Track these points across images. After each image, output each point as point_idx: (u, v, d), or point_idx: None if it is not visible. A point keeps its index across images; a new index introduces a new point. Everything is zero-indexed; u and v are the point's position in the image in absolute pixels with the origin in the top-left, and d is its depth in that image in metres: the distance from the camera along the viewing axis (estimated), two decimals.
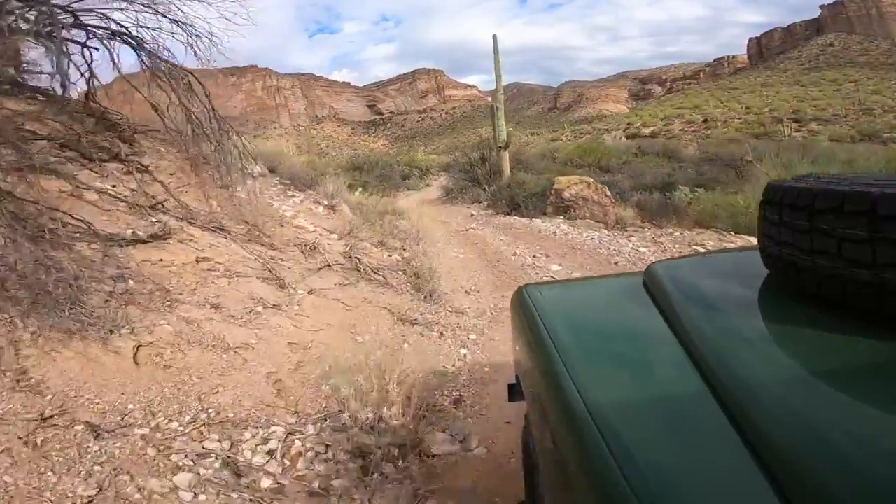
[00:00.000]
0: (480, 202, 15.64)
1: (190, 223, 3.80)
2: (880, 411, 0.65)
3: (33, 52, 3.57)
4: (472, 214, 11.90)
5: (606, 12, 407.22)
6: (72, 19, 3.48)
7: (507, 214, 10.34)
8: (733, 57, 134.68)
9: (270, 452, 2.26)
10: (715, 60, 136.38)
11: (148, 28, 3.73)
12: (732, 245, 6.24)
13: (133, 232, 3.44)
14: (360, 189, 10.23)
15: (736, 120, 60.43)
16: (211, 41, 3.87)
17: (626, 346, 1.00)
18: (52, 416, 2.10)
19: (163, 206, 3.79)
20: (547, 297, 1.26)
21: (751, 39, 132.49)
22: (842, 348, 0.77)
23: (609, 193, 9.58)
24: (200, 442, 2.25)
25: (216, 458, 2.16)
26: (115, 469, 1.97)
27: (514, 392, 1.51)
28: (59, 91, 3.28)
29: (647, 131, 60.12)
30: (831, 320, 0.80)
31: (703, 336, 0.85)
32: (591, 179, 9.84)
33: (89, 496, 1.84)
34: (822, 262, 0.78)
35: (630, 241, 7.30)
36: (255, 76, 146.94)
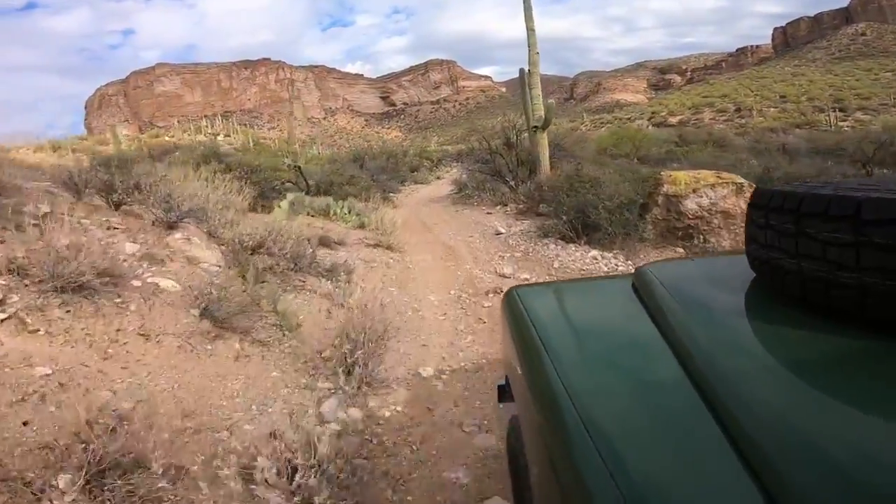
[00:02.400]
0: (506, 204, 10.78)
1: None
2: (864, 412, 0.62)
3: None
4: (498, 232, 7.03)
5: (620, 3, 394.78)
6: None
7: (568, 240, 5.42)
8: (756, 47, 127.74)
9: None
10: (738, 50, 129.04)
11: None
12: None
13: None
14: (294, 195, 5.45)
15: (771, 109, 54.64)
16: None
17: (616, 347, 0.97)
18: None
19: None
20: (537, 299, 1.22)
21: (776, 29, 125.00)
22: (826, 350, 0.75)
23: None
24: None
25: None
26: None
27: (504, 393, 1.39)
28: None
29: (674, 120, 54.60)
30: (816, 323, 0.78)
31: (691, 337, 0.81)
32: (740, 178, 4.90)
33: None
34: (807, 265, 0.76)
35: None
36: (269, 69, 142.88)
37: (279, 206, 4.74)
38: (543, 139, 10.08)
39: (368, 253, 5.14)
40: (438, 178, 25.05)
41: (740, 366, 0.72)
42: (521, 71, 11.13)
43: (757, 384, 0.68)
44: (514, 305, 1.19)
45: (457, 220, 9.44)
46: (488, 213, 9.97)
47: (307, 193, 8.81)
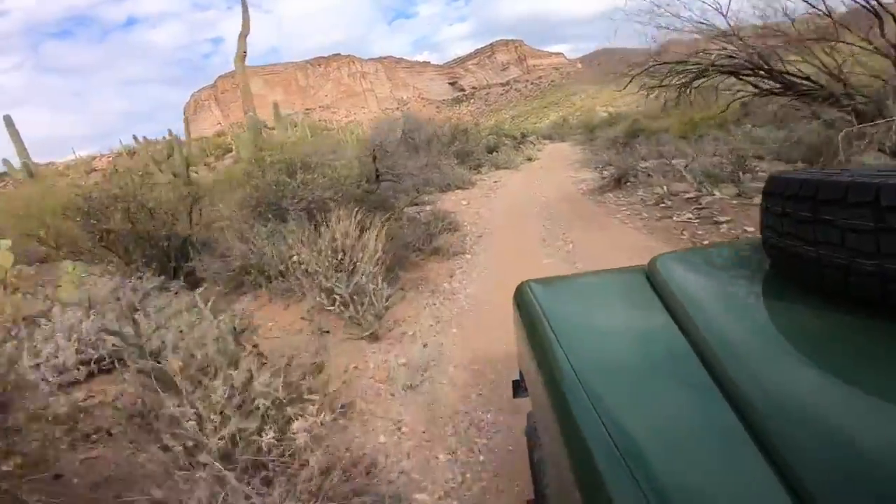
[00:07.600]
0: None
1: None
2: (884, 401, 0.58)
3: None
4: None
5: None
6: None
7: None
8: None
9: None
10: None
11: None
12: None
13: None
14: None
15: None
16: None
17: (630, 339, 0.90)
18: None
19: None
20: (549, 292, 1.13)
21: None
22: (845, 338, 0.70)
23: None
24: None
25: None
26: None
27: (519, 389, 1.37)
28: None
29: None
30: (834, 310, 0.73)
31: (707, 328, 0.77)
32: None
33: None
34: (826, 252, 0.71)
35: None
36: (341, 64, 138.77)
37: None
38: None
39: None
40: (530, 159, 16.12)
41: (759, 356, 0.69)
42: None
43: (777, 375, 0.64)
44: (526, 299, 1.10)
45: None
46: None
47: None
